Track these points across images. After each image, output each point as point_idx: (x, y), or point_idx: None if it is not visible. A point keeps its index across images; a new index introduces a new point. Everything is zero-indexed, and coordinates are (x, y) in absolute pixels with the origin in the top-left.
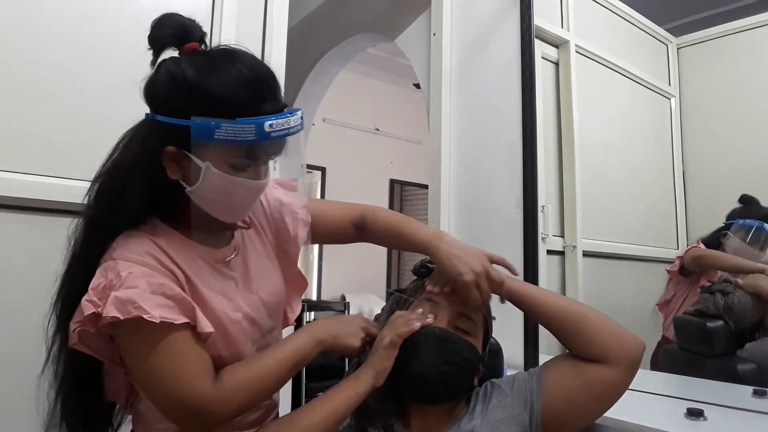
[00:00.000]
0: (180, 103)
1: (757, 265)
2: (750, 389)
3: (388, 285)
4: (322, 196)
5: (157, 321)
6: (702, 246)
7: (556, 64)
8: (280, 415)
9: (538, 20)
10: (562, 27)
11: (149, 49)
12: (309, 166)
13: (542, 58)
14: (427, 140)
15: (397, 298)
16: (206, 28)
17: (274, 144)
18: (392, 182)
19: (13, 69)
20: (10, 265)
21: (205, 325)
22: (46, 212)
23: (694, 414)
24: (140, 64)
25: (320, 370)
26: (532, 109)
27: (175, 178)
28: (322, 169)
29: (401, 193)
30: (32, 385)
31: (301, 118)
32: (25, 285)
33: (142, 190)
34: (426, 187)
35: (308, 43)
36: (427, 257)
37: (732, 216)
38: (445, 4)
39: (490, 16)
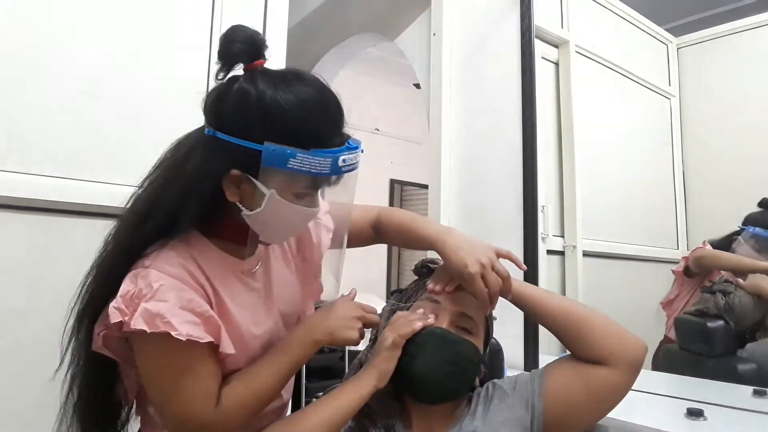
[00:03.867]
0: (252, 124)
1: (759, 264)
2: (750, 389)
3: (388, 285)
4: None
5: (184, 339)
6: (708, 247)
7: (556, 64)
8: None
9: (538, 20)
10: (562, 27)
11: (217, 63)
12: None
13: (542, 58)
14: (427, 140)
15: (398, 299)
16: (206, 28)
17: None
18: (392, 182)
19: (16, 70)
20: (10, 265)
21: (227, 346)
22: (47, 212)
23: (694, 414)
24: (141, 64)
25: (320, 370)
26: (532, 109)
27: (233, 200)
28: None
29: (401, 193)
30: (38, 384)
31: (362, 151)
32: (25, 285)
33: (198, 209)
34: (426, 187)
35: (308, 43)
36: (429, 257)
37: (747, 221)
38: (445, 4)
39: (490, 16)
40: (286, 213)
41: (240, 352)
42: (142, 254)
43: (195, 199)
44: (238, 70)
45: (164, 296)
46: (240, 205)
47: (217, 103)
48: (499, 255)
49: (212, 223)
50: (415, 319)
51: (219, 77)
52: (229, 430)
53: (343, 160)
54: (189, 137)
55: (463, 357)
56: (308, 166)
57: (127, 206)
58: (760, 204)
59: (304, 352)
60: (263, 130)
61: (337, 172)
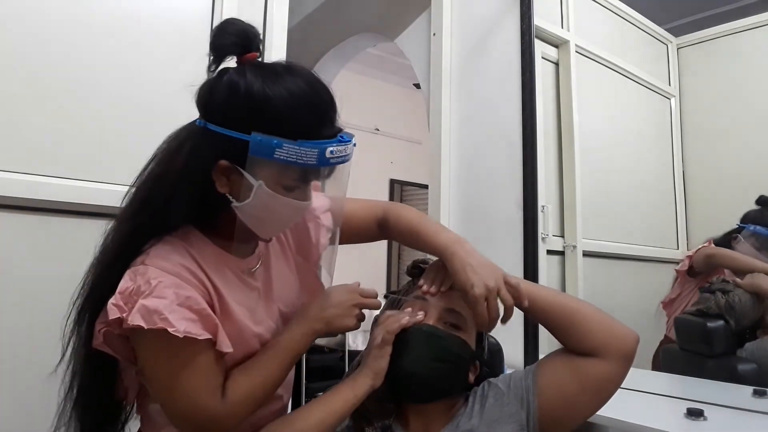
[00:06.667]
0: (240, 115)
1: None
2: (750, 389)
3: (388, 285)
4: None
5: (181, 336)
6: (713, 245)
7: (556, 64)
8: None
9: (538, 20)
10: (562, 27)
11: (209, 55)
12: None
13: (542, 58)
14: (427, 140)
15: (392, 300)
16: (206, 29)
17: (327, 168)
18: (392, 182)
19: (15, 69)
20: (10, 265)
21: (225, 345)
22: (46, 212)
23: (694, 414)
24: (142, 64)
25: (320, 370)
26: (532, 109)
27: (223, 191)
28: None
29: (401, 193)
30: (37, 385)
31: (354, 144)
32: (25, 285)
33: (189, 201)
34: (426, 187)
35: (308, 43)
36: (421, 258)
37: (746, 219)
38: (445, 4)
39: (490, 16)
40: (275, 205)
41: (239, 350)
42: (141, 250)
43: (186, 191)
44: (232, 64)
45: (162, 293)
46: (230, 197)
47: (206, 95)
48: (506, 282)
49: (209, 221)
50: (403, 316)
51: (211, 69)
52: (236, 422)
53: (331, 152)
54: (181, 130)
55: (450, 352)
56: (295, 157)
57: (124, 203)
58: (758, 201)
59: (304, 342)
60: (251, 120)
61: (325, 163)
